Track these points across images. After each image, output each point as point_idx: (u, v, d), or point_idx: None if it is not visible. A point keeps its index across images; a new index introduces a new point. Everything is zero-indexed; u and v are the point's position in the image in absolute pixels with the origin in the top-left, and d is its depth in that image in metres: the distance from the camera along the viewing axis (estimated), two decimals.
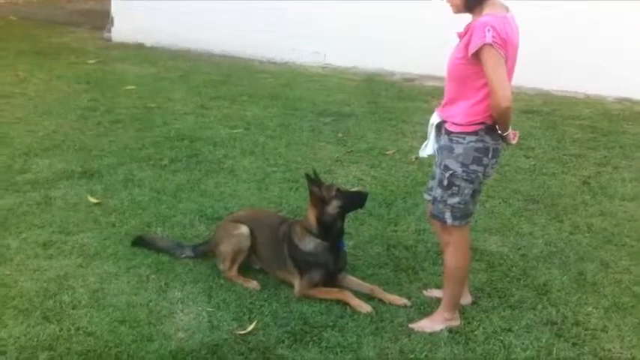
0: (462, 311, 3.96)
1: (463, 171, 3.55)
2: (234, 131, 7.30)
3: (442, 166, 3.63)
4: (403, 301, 4.08)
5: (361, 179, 6.06)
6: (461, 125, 3.52)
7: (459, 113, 3.53)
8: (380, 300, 4.09)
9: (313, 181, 4.10)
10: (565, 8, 9.28)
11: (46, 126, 7.12)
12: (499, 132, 3.49)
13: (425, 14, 9.36)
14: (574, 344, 3.76)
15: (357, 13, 10.54)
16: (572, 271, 4.58)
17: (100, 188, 5.56)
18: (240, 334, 3.70)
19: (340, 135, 7.29)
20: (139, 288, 4.09)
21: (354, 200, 4.23)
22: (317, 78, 10.21)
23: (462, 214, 3.67)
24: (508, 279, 4.45)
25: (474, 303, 4.12)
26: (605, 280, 4.49)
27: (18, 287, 4.04)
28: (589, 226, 5.29)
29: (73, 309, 3.85)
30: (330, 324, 3.83)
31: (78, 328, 3.67)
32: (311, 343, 3.65)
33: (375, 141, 7.15)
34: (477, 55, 3.32)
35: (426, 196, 3.91)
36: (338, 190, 4.12)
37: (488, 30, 3.26)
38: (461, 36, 3.50)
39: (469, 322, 3.91)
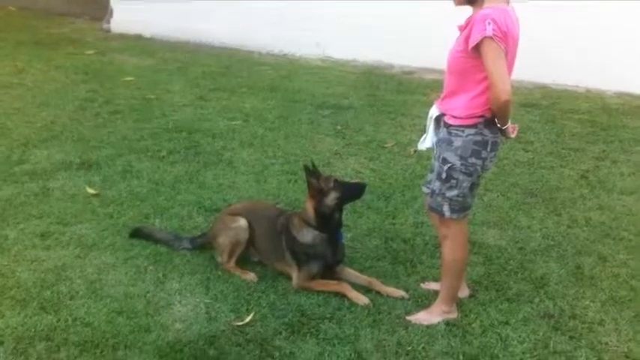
0: (460, 304, 3.98)
1: (462, 164, 3.55)
2: (233, 123, 7.29)
3: (441, 159, 3.62)
4: (400, 293, 4.09)
5: (360, 172, 6.06)
6: (460, 118, 3.52)
7: (459, 106, 3.53)
8: (377, 292, 4.09)
9: (311, 172, 4.10)
10: (565, 2, 9.26)
11: (44, 117, 7.11)
12: (498, 125, 3.48)
13: (425, 7, 9.38)
14: (571, 337, 3.77)
15: (357, 5, 10.51)
16: (569, 265, 4.59)
17: (98, 179, 5.56)
18: (237, 326, 3.70)
19: (339, 127, 7.28)
20: (136, 279, 4.10)
21: (352, 191, 4.24)
22: (316, 70, 10.19)
23: (460, 207, 3.67)
24: (506, 272, 4.46)
25: (471, 296, 4.13)
26: (603, 273, 4.50)
27: (15, 278, 4.04)
28: (587, 220, 5.29)
29: (70, 299, 3.86)
30: (328, 316, 3.84)
31: (75, 319, 3.67)
32: (308, 334, 3.66)
33: (374, 134, 7.15)
34: (477, 48, 3.32)
35: (425, 189, 3.91)
36: (336, 181, 4.12)
37: (489, 23, 3.25)
38: (461, 29, 3.50)
39: (466, 315, 3.92)
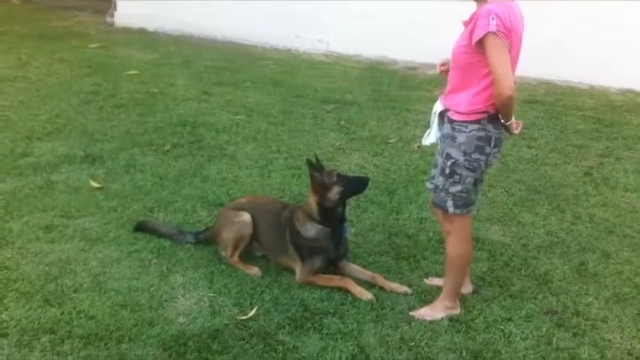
0: (463, 300, 3.97)
1: (465, 159, 3.54)
2: (237, 117, 7.29)
3: (444, 155, 3.62)
4: (404, 288, 4.09)
5: (363, 167, 6.06)
6: (464, 114, 3.51)
7: (462, 102, 3.52)
8: (381, 288, 4.09)
9: (314, 166, 4.10)
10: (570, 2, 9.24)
11: (48, 110, 7.12)
12: (502, 121, 3.48)
13: (429, 3, 9.38)
14: (574, 334, 3.77)
15: (361, 1, 10.50)
16: (573, 262, 4.59)
17: (101, 173, 5.57)
18: (241, 320, 3.70)
19: (343, 123, 7.28)
20: (140, 272, 4.10)
21: (355, 185, 4.23)
22: (320, 65, 10.19)
23: (464, 203, 3.67)
24: (509, 268, 4.46)
25: (474, 292, 4.13)
26: (606, 270, 4.50)
27: (20, 270, 4.05)
28: (591, 217, 5.28)
29: (74, 292, 3.86)
30: (331, 311, 3.84)
31: (79, 312, 3.68)
32: (312, 329, 3.66)
33: (378, 129, 7.14)
34: (480, 43, 3.31)
35: (429, 185, 3.91)
36: (339, 175, 4.11)
37: (493, 18, 3.25)
38: (466, 24, 3.49)
39: (469, 311, 3.91)
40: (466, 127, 3.51)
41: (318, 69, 9.89)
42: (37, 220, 4.67)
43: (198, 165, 5.88)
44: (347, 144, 6.65)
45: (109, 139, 6.34)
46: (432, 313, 3.84)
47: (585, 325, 3.86)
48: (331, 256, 4.16)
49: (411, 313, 3.86)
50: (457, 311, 3.88)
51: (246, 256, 4.33)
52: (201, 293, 3.93)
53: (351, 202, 4.40)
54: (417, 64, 10.17)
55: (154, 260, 4.25)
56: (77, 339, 3.45)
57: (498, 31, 3.24)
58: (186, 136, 6.59)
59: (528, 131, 7.08)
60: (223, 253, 4.30)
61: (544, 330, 3.78)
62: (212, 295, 3.92)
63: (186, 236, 4.48)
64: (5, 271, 4.04)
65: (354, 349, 3.52)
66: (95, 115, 7.08)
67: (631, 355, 3.63)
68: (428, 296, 4.04)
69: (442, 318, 3.82)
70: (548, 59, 9.00)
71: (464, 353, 3.55)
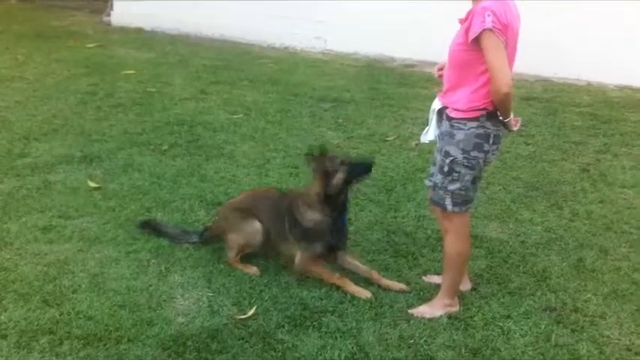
0: (462, 297, 3.98)
1: (464, 157, 3.54)
2: (234, 116, 7.29)
3: (443, 152, 3.62)
4: (400, 286, 4.10)
5: None
6: (462, 111, 3.51)
7: (460, 99, 3.52)
8: (378, 285, 4.09)
9: (314, 156, 4.04)
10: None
11: (45, 110, 7.12)
12: (500, 118, 3.48)
13: (426, 1, 9.37)
14: (573, 330, 3.78)
15: (360, 2, 10.49)
16: (571, 258, 4.59)
17: (99, 173, 5.57)
18: (240, 319, 3.71)
19: (340, 121, 7.28)
20: (139, 272, 4.10)
21: (360, 169, 4.10)
22: (317, 63, 10.18)
23: (463, 201, 3.67)
24: (507, 265, 4.46)
25: (473, 289, 4.14)
26: (605, 267, 4.50)
27: (18, 271, 4.05)
28: (588, 214, 5.29)
29: (73, 293, 3.86)
30: (330, 309, 3.84)
31: (78, 312, 3.68)
32: (311, 328, 3.67)
33: (376, 127, 7.14)
34: (477, 40, 3.31)
35: (427, 183, 3.90)
36: (342, 161, 4.03)
37: (488, 15, 3.24)
38: (462, 22, 3.48)
39: (468, 309, 3.92)
40: (465, 124, 3.51)
41: (316, 67, 9.88)
42: (35, 220, 4.67)
43: (196, 164, 5.87)
44: (345, 142, 6.65)
45: (106, 139, 6.34)
46: (430, 310, 3.85)
47: (584, 321, 3.87)
48: (331, 244, 4.12)
49: (409, 311, 3.86)
50: (456, 309, 3.88)
51: (245, 255, 4.33)
52: (200, 293, 3.94)
53: (351, 201, 4.36)
54: (414, 61, 10.17)
55: (153, 260, 4.25)
56: (76, 339, 3.45)
57: (494, 27, 3.24)
58: (184, 135, 6.59)
59: (526, 128, 7.08)
60: (229, 254, 4.27)
61: (543, 327, 3.79)
62: (211, 294, 3.93)
63: (191, 236, 4.47)
64: (3, 272, 4.04)
65: (353, 348, 3.52)
66: (92, 115, 7.07)
67: (630, 350, 3.64)
68: (426, 294, 4.05)
69: (441, 315, 3.82)
70: (546, 56, 9.00)
71: (463, 351, 3.56)
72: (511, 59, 3.43)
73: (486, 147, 3.54)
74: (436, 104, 3.74)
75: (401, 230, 4.87)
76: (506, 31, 3.30)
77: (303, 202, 4.14)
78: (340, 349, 3.50)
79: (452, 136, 3.57)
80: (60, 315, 3.64)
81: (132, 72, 8.89)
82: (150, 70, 9.12)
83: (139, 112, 7.25)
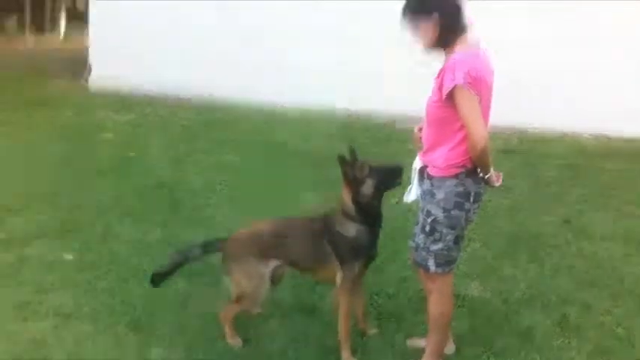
0: None
1: (445, 216, 3.52)
2: (214, 178, 7.27)
3: (425, 212, 3.60)
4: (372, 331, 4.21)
5: None
6: (441, 169, 3.51)
7: (439, 157, 3.52)
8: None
9: (347, 162, 3.92)
10: (539, 48, 9.41)
11: (20, 181, 7.02)
12: (481, 175, 3.47)
13: (403, 56, 9.49)
14: None
15: (335, 56, 10.63)
16: (554, 315, 4.56)
17: (76, 244, 5.45)
18: None
19: (320, 179, 7.27)
20: (116, 348, 4.00)
21: (389, 176, 3.94)
22: (296, 122, 10.24)
23: (446, 261, 3.64)
24: (491, 325, 4.41)
25: (456, 351, 4.08)
26: (588, 322, 4.48)
27: None
28: (570, 268, 5.29)
29: None
30: None
31: None
32: None
33: None
34: (450, 96, 3.32)
35: (410, 244, 3.85)
36: (370, 167, 3.90)
37: (458, 71, 3.26)
38: (436, 79, 3.51)
39: None
40: (444, 182, 3.50)
41: (294, 126, 9.94)
42: (10, 297, 4.54)
43: (176, 230, 5.81)
44: (326, 201, 6.62)
45: (84, 208, 6.26)
46: None
47: None
48: (370, 255, 4.01)
49: None
50: None
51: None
52: None
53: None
54: (392, 117, 10.25)
55: (131, 334, 4.14)
56: None
57: (465, 82, 3.25)
58: (164, 199, 6.55)
59: (504, 181, 7.03)
60: (228, 305, 4.06)
61: None
62: None
63: (192, 251, 4.18)
64: None
65: None
66: (69, 183, 7.00)
67: None
68: (411, 358, 3.98)
69: None
70: (520, 108, 9.13)
71: None
72: (486, 111, 3.43)
73: (467, 205, 3.53)
74: (417, 163, 3.74)
75: (383, 292, 4.82)
76: (478, 85, 3.31)
77: (341, 213, 3.97)
78: None
79: (432, 195, 3.56)
80: None
81: (110, 135, 8.89)
82: (129, 133, 9.13)
83: (118, 178, 7.21)
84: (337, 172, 3.93)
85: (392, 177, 3.94)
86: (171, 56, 11.90)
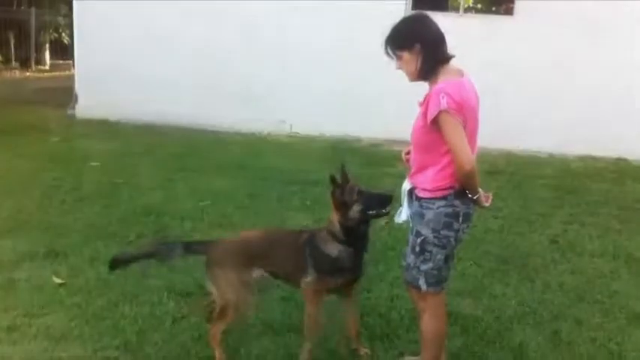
0: None
1: (434, 236, 3.54)
2: (202, 203, 7.25)
3: (415, 232, 3.62)
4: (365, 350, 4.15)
5: None
6: (429, 191, 3.53)
7: (427, 180, 3.54)
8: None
9: (337, 183, 3.91)
10: (525, 71, 9.53)
11: (9, 206, 6.99)
12: (470, 196, 3.50)
13: (389, 81, 9.57)
14: None
15: (322, 80, 10.71)
16: (546, 331, 4.57)
17: (65, 268, 5.42)
18: None
19: (308, 203, 7.29)
20: None
21: (376, 203, 3.91)
22: (283, 147, 10.29)
23: (436, 280, 3.64)
24: (483, 342, 4.40)
25: None
26: (580, 338, 4.48)
27: None
28: (560, 285, 5.30)
29: None
30: None
31: None
32: None
33: None
34: (435, 122, 3.36)
35: (403, 263, 3.86)
36: (359, 192, 3.90)
37: (443, 97, 3.31)
38: (420, 105, 3.54)
39: None
40: (433, 203, 3.52)
41: (282, 150, 9.98)
42: None
43: None
44: (314, 224, 6.61)
45: (71, 233, 6.22)
46: None
47: None
48: (349, 278, 3.98)
49: None
50: None
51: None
52: None
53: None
54: (380, 140, 10.32)
55: (121, 357, 4.09)
56: None
57: (449, 108, 3.30)
58: (151, 225, 6.51)
59: (493, 202, 7.12)
60: (215, 324, 3.99)
61: None
62: None
63: (174, 249, 4.08)
64: None
65: None
66: (57, 209, 6.97)
67: None
68: None
69: None
70: (507, 130, 9.21)
71: None
72: (472, 136, 3.47)
73: (456, 225, 3.55)
74: (406, 185, 3.77)
75: (374, 311, 4.80)
76: (463, 110, 3.35)
77: (327, 232, 3.97)
78: None
79: (422, 216, 3.57)
80: None
81: (97, 164, 8.87)
82: (115, 161, 9.11)
83: (105, 204, 7.17)
84: (327, 194, 3.92)
85: (380, 204, 3.92)
86: (157, 85, 11.92)
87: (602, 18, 10.02)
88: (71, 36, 14.99)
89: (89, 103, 12.32)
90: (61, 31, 24.51)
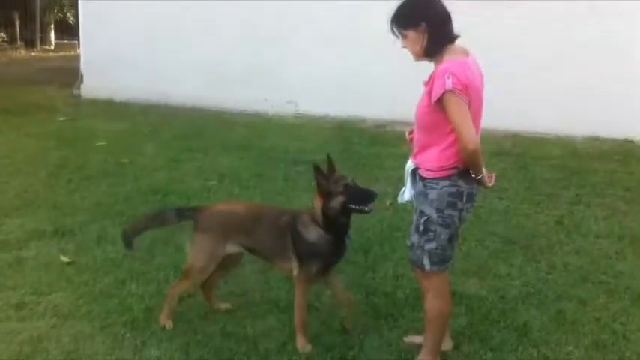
0: (443, 357, 3.92)
1: (438, 216, 3.54)
2: (208, 183, 7.28)
3: (418, 212, 3.63)
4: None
5: None
6: (433, 171, 3.53)
7: (431, 159, 3.55)
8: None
9: (321, 172, 4.00)
10: (532, 52, 9.47)
11: (16, 185, 7.03)
12: (473, 175, 3.50)
13: (393, 61, 9.54)
14: None
15: (328, 61, 10.67)
16: (550, 311, 4.59)
17: (72, 246, 5.47)
18: None
19: (314, 183, 7.27)
20: (114, 347, 3.99)
21: (359, 198, 3.97)
22: (290, 127, 10.28)
23: (440, 260, 3.65)
24: (488, 321, 4.43)
25: (454, 348, 4.08)
26: (584, 318, 4.50)
27: None
28: (565, 265, 5.31)
29: None
30: None
31: None
32: None
33: None
34: (440, 101, 3.36)
35: (408, 242, 3.88)
36: (345, 185, 3.96)
37: (448, 77, 3.30)
38: (425, 84, 3.54)
39: None
40: (437, 183, 3.53)
41: (288, 130, 9.97)
42: (8, 298, 4.55)
43: (170, 233, 5.78)
44: None
45: (78, 212, 6.26)
46: None
47: None
48: (329, 262, 4.07)
49: None
50: None
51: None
52: None
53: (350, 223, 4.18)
54: (385, 121, 10.30)
55: (128, 334, 4.13)
56: None
57: (454, 88, 3.30)
58: (157, 204, 6.52)
59: (498, 183, 7.08)
60: (180, 279, 4.27)
61: None
62: None
63: (167, 215, 4.39)
64: None
65: None
66: (64, 188, 7.01)
67: None
68: (408, 355, 3.99)
69: None
70: (514, 111, 9.18)
71: None
72: (477, 116, 3.47)
73: (460, 205, 3.55)
74: (410, 165, 3.77)
75: (380, 291, 4.83)
76: (468, 90, 3.34)
77: (308, 217, 4.05)
78: None
79: (425, 195, 3.58)
80: None
81: (103, 143, 8.88)
82: (122, 141, 9.11)
83: (112, 184, 7.20)
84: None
85: (363, 201, 3.98)
86: (163, 65, 11.90)
87: None
88: (76, 16, 14.94)
89: (95, 84, 12.32)
90: (66, 10, 24.36)
